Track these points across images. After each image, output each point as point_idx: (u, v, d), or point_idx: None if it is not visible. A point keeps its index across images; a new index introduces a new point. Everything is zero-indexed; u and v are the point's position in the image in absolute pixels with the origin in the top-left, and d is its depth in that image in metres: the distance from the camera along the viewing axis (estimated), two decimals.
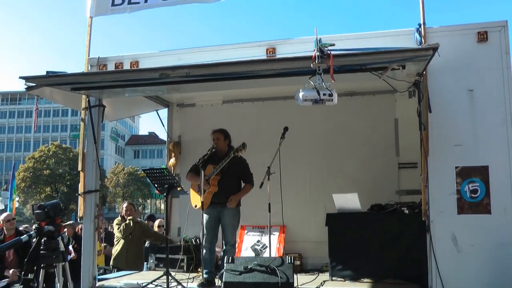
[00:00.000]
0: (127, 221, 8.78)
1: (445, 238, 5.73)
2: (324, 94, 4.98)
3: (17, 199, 31.59)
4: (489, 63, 5.89)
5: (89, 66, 7.15)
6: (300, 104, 5.09)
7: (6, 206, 30.56)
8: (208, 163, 6.89)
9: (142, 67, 6.84)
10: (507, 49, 5.86)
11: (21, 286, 3.96)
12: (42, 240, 4.12)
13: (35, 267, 4.06)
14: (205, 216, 6.90)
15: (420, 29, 5.98)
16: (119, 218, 9.12)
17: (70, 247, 9.22)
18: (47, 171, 62.76)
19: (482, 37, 5.91)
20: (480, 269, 5.60)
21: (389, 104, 8.32)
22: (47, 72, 6.26)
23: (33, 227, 4.30)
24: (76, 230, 10.71)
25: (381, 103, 8.35)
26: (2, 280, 7.38)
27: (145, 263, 8.98)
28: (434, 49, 4.94)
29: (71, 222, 11.05)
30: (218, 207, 6.92)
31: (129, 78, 6.43)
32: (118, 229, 8.87)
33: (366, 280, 6.79)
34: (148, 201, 74.46)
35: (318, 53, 4.91)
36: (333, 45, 5.05)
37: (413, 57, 5.24)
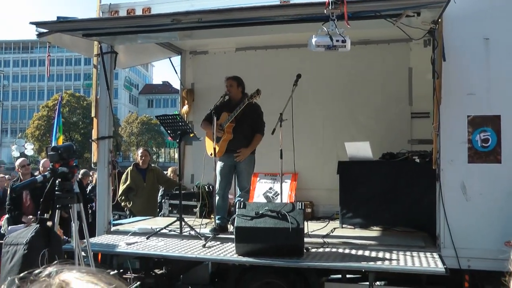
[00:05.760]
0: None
1: (455, 187, 5.71)
2: (337, 41, 4.95)
3: (31, 146, 31.84)
4: (505, 12, 5.74)
5: (101, 13, 7.11)
6: (312, 50, 5.07)
7: (21, 152, 31.10)
8: (223, 111, 6.81)
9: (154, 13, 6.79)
10: None
11: (37, 225, 4.05)
12: (57, 181, 4.19)
13: (50, 207, 4.14)
14: (220, 163, 6.90)
15: None
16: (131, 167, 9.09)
17: None
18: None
19: None
20: (488, 218, 5.61)
21: (404, 53, 8.24)
22: (58, 17, 6.27)
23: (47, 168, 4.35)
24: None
25: (396, 52, 8.28)
26: (19, 225, 7.52)
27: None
28: None
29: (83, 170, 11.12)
30: (233, 154, 6.85)
31: (141, 24, 6.39)
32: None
33: (375, 228, 6.89)
34: (162, 150, 75.06)
35: None
36: None
37: (428, 4, 5.14)
